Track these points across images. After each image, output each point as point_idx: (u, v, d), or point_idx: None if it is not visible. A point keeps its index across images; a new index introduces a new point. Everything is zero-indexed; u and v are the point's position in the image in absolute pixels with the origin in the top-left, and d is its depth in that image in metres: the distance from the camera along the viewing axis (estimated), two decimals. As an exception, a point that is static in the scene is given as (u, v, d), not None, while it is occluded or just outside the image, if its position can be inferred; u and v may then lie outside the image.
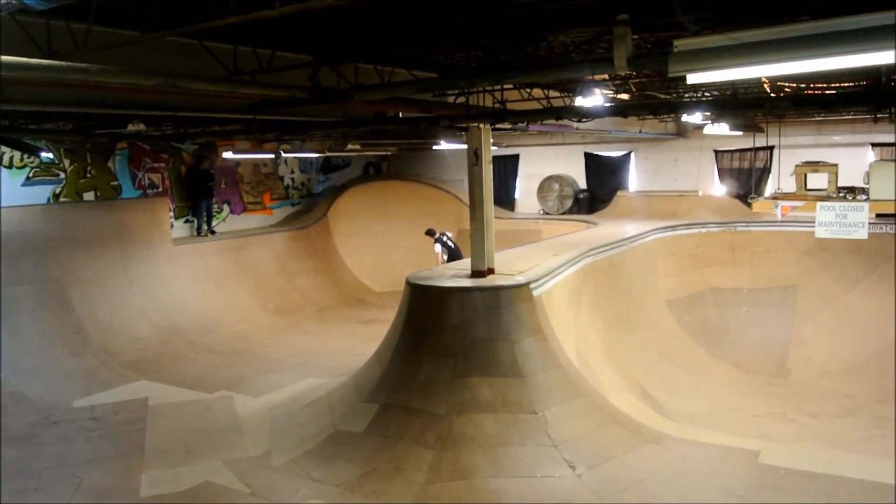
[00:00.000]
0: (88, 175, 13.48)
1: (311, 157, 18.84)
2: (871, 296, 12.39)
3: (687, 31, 4.53)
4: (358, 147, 16.57)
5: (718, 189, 17.07)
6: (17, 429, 8.27)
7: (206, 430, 8.11)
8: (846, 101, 10.14)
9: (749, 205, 14.75)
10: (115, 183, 13.98)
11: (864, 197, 11.14)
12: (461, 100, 9.99)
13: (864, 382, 11.09)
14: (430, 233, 14.21)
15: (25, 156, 12.12)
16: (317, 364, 10.90)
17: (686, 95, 11.86)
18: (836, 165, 12.91)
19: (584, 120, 11.45)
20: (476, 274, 8.48)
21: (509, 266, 8.99)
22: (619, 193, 18.10)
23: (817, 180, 13.16)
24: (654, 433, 7.20)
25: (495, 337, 7.59)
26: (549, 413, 6.97)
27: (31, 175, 12.40)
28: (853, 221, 10.44)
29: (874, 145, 14.95)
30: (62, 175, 12.95)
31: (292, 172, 18.71)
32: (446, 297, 7.94)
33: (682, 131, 17.27)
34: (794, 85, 9.85)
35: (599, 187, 18.69)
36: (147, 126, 9.90)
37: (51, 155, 12.53)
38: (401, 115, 10.32)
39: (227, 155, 15.47)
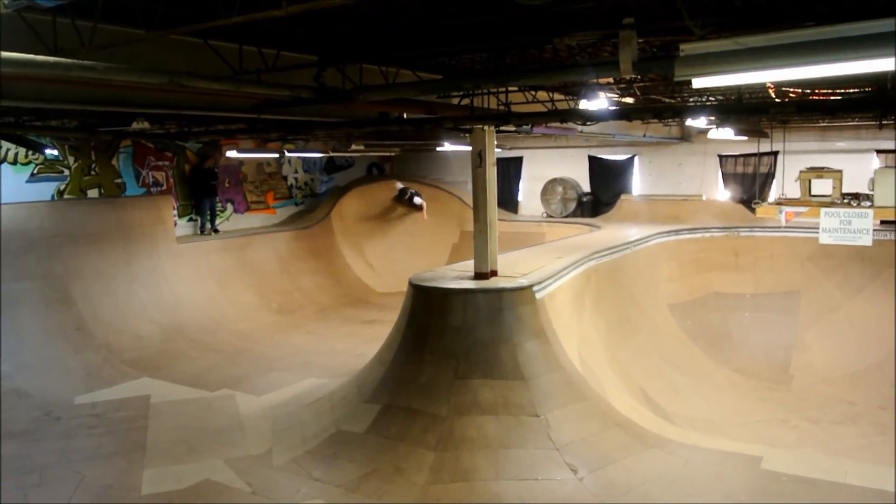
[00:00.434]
0: (92, 172, 13.52)
1: (314, 157, 18.87)
2: (874, 303, 12.34)
3: (693, 36, 4.54)
4: (362, 148, 16.61)
5: (722, 194, 17.06)
6: (19, 425, 8.28)
7: (208, 429, 8.11)
8: (851, 106, 10.11)
9: (753, 210, 14.79)
10: (118, 180, 14.01)
11: (868, 203, 11.14)
12: (465, 101, 10.01)
13: (866, 389, 11.05)
14: (402, 192, 13.97)
15: (30, 152, 12.18)
16: (318, 364, 10.89)
17: (691, 99, 11.87)
18: (840, 171, 12.92)
19: (588, 123, 11.44)
20: (479, 276, 8.48)
21: (512, 268, 8.99)
22: (623, 197, 18.06)
23: (821, 186, 13.17)
24: (656, 437, 7.18)
25: (497, 339, 7.58)
26: (550, 416, 6.96)
27: (35, 172, 12.45)
28: (857, 228, 10.44)
29: (879, 152, 14.92)
30: (66, 172, 13.00)
31: (296, 172, 18.73)
32: (449, 299, 7.94)
33: (687, 135, 17.26)
34: (799, 90, 9.84)
35: (603, 190, 18.68)
36: (151, 124, 9.92)
37: (55, 152, 12.59)
38: (405, 116, 10.33)
39: (231, 154, 15.53)
